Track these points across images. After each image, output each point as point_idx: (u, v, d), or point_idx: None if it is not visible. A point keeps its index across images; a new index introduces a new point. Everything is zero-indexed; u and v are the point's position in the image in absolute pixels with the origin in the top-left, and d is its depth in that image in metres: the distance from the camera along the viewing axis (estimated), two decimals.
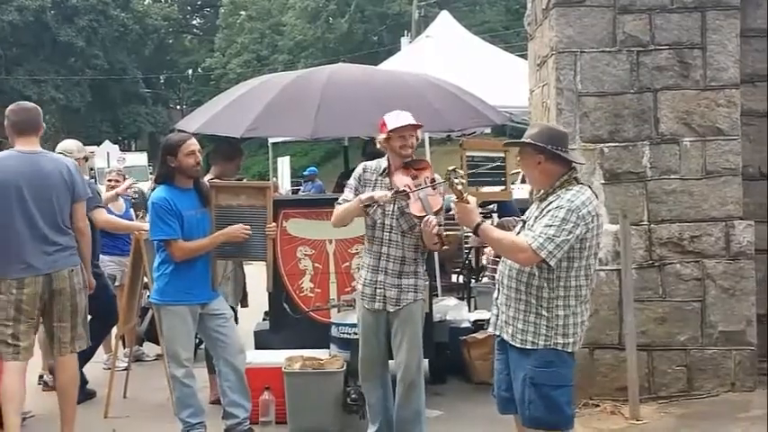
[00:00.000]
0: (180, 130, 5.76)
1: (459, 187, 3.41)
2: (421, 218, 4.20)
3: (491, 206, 8.77)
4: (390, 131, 4.41)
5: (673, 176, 5.37)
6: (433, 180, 4.37)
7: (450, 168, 3.51)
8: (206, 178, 5.33)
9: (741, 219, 5.36)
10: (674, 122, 5.37)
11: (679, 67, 5.36)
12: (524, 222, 3.54)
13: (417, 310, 4.49)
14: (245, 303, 5.98)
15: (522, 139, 3.52)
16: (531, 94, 6.41)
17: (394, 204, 4.39)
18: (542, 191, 3.51)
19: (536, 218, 3.42)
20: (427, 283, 5.63)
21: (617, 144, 5.38)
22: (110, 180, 7.20)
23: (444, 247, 4.39)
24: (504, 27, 36.64)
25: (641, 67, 5.37)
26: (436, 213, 4.23)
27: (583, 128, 5.38)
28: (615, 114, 5.38)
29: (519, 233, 3.52)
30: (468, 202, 3.43)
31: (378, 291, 4.45)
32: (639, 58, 5.37)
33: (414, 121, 4.42)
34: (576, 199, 3.33)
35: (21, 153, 4.63)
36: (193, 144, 4.71)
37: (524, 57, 8.77)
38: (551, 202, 3.37)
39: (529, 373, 3.36)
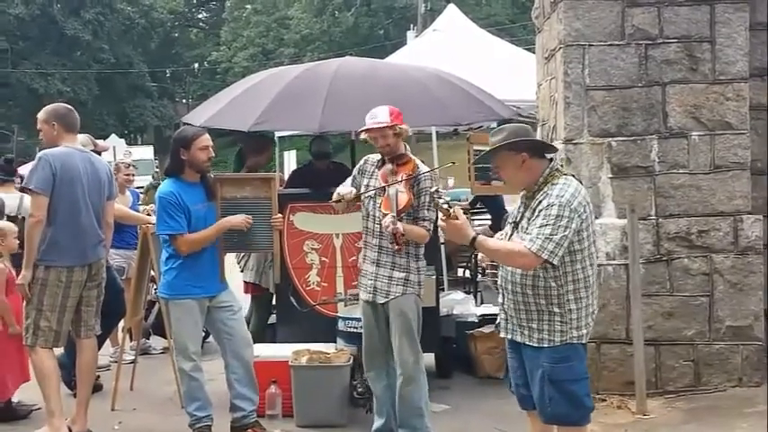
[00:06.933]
0: (185, 124, 5.75)
1: (445, 206, 3.29)
2: (387, 214, 4.33)
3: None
4: (363, 131, 4.51)
5: (681, 171, 5.35)
6: (410, 177, 4.43)
7: (433, 189, 3.52)
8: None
9: (749, 213, 5.34)
10: (682, 116, 5.35)
11: (688, 61, 5.34)
12: (516, 224, 3.45)
13: (408, 305, 4.49)
14: None
15: (500, 143, 3.39)
16: (538, 88, 6.39)
17: (381, 196, 4.47)
18: (528, 190, 3.44)
19: (528, 219, 3.35)
20: (432, 277, 5.64)
21: (625, 138, 5.36)
22: (127, 174, 7.18)
23: (397, 247, 4.34)
24: (511, 20, 36.62)
25: (650, 60, 5.35)
26: (401, 211, 4.34)
27: (591, 122, 5.36)
28: (623, 108, 5.36)
29: (511, 235, 3.46)
30: (456, 218, 3.29)
31: (369, 282, 4.54)
32: (648, 51, 5.35)
33: (380, 122, 4.44)
34: (565, 192, 3.28)
35: (78, 151, 4.92)
36: (207, 140, 4.73)
37: (531, 50, 8.75)
38: (540, 201, 3.31)
39: (546, 371, 3.33)
